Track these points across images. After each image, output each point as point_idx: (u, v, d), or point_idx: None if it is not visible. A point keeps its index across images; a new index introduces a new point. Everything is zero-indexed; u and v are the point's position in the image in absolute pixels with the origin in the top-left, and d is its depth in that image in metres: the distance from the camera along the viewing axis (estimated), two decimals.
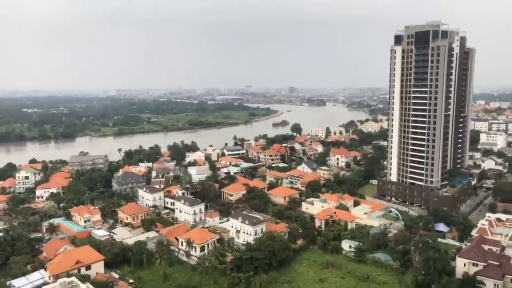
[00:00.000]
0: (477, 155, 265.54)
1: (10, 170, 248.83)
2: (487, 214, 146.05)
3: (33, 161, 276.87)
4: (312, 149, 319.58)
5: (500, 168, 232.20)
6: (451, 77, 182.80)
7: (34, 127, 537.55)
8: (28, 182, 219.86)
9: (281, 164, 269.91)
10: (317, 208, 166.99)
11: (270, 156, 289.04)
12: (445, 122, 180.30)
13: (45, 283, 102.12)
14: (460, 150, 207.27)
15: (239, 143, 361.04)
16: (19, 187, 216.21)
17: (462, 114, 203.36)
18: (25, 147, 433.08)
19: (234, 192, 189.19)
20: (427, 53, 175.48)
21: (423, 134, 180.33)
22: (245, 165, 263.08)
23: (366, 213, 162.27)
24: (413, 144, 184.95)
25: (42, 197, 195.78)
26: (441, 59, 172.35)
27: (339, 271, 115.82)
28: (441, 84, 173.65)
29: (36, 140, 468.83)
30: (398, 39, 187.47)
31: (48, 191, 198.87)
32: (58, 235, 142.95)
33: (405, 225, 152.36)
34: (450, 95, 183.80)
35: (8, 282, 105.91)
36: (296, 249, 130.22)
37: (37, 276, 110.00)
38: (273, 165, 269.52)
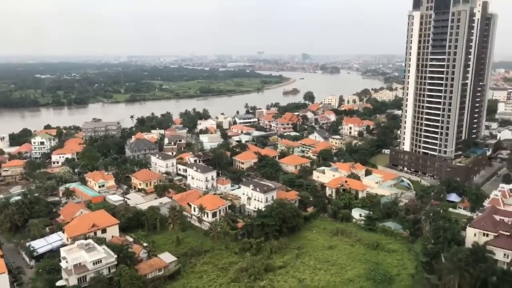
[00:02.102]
0: (494, 125, 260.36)
1: (25, 135, 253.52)
2: (501, 185, 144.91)
3: (47, 127, 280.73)
4: (325, 118, 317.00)
5: None
6: (470, 44, 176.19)
7: (48, 93, 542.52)
8: (43, 147, 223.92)
9: (293, 133, 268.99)
10: (328, 176, 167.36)
11: (282, 124, 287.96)
12: (462, 91, 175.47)
13: (63, 245, 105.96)
14: (476, 120, 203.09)
15: (250, 111, 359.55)
16: (35, 152, 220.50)
17: (480, 83, 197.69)
18: (39, 113, 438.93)
19: (246, 160, 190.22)
20: (447, 18, 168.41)
21: (439, 103, 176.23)
22: (256, 133, 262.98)
23: (378, 182, 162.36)
24: (428, 114, 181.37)
25: (57, 162, 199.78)
26: (461, 25, 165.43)
27: (349, 239, 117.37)
28: (460, 51, 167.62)
29: (50, 106, 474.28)
30: (416, 4, 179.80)
31: (63, 157, 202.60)
32: (74, 199, 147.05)
33: (416, 194, 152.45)
34: (469, 63, 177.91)
35: (27, 243, 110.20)
36: (307, 216, 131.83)
37: (56, 238, 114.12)
38: (285, 133, 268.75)
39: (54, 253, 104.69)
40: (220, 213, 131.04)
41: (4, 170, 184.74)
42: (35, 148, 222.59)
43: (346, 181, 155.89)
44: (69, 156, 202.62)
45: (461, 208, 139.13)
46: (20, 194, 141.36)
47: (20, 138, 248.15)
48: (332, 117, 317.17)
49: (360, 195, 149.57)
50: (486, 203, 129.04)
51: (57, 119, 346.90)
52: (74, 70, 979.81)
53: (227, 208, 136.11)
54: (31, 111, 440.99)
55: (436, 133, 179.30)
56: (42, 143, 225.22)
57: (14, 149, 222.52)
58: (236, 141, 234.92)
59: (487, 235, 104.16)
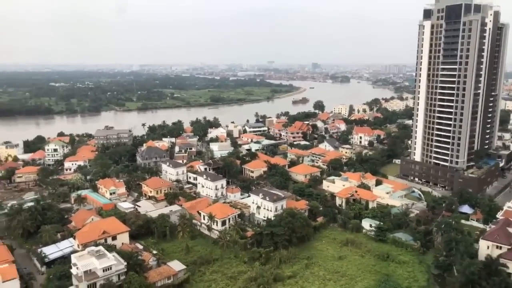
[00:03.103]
0: (507, 136, 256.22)
1: (39, 142, 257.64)
2: None
3: (61, 134, 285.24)
4: (335, 127, 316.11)
5: None
6: (482, 54, 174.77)
7: (61, 101, 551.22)
8: (56, 154, 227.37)
9: (303, 142, 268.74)
10: (338, 186, 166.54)
11: (292, 133, 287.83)
12: (474, 101, 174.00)
13: (74, 251, 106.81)
14: (488, 131, 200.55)
15: (260, 120, 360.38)
16: (49, 159, 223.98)
17: (492, 93, 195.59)
18: (53, 120, 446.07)
19: (255, 169, 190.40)
20: (458, 28, 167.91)
21: (450, 113, 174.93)
22: (266, 142, 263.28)
23: (388, 193, 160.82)
24: (439, 124, 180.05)
25: (70, 169, 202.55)
26: (473, 34, 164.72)
27: (359, 250, 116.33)
28: (471, 61, 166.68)
29: (64, 113, 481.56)
30: (427, 14, 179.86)
31: (75, 164, 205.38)
32: (86, 206, 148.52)
33: (427, 205, 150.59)
34: (480, 73, 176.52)
35: (39, 249, 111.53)
36: (316, 226, 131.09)
37: (67, 244, 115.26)
38: (295, 142, 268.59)
39: (65, 260, 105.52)
40: (229, 221, 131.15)
41: (18, 177, 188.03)
42: (48, 155, 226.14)
43: (356, 191, 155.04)
44: (81, 163, 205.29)
45: (473, 220, 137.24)
46: (33, 201, 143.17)
47: (34, 145, 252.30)
48: (342, 127, 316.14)
49: (371, 205, 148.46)
50: (499, 215, 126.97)
51: (70, 127, 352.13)
52: (88, 78, 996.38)
53: (237, 216, 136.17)
54: (45, 118, 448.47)
55: (447, 143, 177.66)
56: (55, 150, 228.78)
57: (28, 156, 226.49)
58: (246, 149, 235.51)
59: (501, 247, 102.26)
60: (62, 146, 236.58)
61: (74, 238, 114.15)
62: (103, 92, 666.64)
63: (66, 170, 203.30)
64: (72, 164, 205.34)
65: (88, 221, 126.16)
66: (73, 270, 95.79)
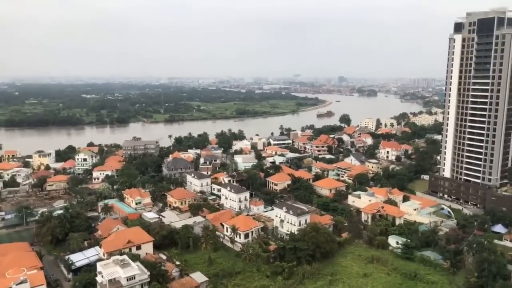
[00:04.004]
0: None
1: (70, 152, 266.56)
2: None
3: (90, 144, 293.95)
4: (361, 141, 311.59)
5: None
6: None
7: (92, 112, 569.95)
8: (86, 164, 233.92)
9: (328, 156, 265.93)
10: (364, 201, 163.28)
11: (317, 147, 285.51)
12: (508, 116, 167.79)
13: (100, 259, 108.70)
14: None
15: (285, 133, 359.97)
16: (78, 168, 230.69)
17: None
18: (83, 130, 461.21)
19: (279, 182, 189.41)
20: (490, 42, 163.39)
21: (482, 128, 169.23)
22: (290, 155, 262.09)
23: (416, 209, 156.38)
24: (471, 139, 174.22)
25: (98, 179, 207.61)
26: (506, 48, 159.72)
27: (385, 267, 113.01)
28: (505, 75, 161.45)
29: (94, 124, 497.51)
30: (458, 27, 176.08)
31: (103, 173, 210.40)
32: (112, 215, 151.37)
33: (458, 223, 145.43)
34: None
35: (66, 256, 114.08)
36: (341, 242, 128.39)
37: (93, 252, 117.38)
38: (320, 156, 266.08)
39: (91, 267, 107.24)
40: (252, 234, 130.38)
41: (49, 185, 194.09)
42: (78, 164, 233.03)
43: (382, 207, 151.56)
44: (109, 173, 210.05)
45: (507, 240, 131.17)
46: (63, 208, 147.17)
47: (65, 154, 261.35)
48: (369, 141, 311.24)
49: (397, 221, 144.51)
50: None
51: (100, 137, 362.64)
52: (118, 90, 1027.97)
53: (260, 229, 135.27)
54: (76, 129, 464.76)
55: (479, 159, 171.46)
56: (85, 159, 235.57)
57: (59, 165, 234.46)
58: (270, 162, 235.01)
59: None
60: (91, 156, 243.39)
61: (100, 247, 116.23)
62: (132, 104, 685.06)
63: (94, 179, 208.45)
64: (100, 174, 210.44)
65: (114, 230, 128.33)
66: (98, 278, 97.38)
